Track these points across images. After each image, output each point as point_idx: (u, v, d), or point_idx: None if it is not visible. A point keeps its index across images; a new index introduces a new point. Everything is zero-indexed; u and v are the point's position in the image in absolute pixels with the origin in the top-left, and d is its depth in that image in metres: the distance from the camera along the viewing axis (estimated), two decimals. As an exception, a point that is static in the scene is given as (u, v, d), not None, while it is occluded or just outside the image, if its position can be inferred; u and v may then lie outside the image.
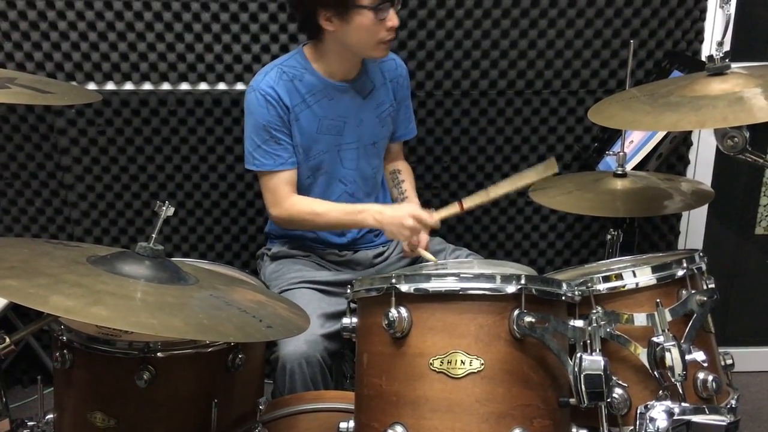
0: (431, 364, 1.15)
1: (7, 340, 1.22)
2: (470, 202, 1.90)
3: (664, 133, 2.02)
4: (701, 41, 2.39)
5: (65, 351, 1.57)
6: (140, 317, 1.10)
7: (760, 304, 2.74)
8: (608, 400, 1.18)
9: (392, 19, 1.84)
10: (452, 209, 1.92)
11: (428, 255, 1.94)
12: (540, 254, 2.60)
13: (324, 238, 2.08)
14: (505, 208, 2.54)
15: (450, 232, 2.53)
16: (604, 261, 1.64)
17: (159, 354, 1.51)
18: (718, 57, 1.39)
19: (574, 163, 2.50)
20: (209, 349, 1.56)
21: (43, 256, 1.27)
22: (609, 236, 1.94)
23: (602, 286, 1.33)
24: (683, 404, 1.23)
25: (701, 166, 2.52)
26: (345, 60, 1.95)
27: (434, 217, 1.89)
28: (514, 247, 2.59)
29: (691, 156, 2.50)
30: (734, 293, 2.72)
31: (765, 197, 2.65)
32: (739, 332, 2.75)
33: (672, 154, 2.45)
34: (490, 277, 1.17)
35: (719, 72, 1.40)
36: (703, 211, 2.60)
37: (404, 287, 1.18)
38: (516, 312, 1.15)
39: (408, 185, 2.19)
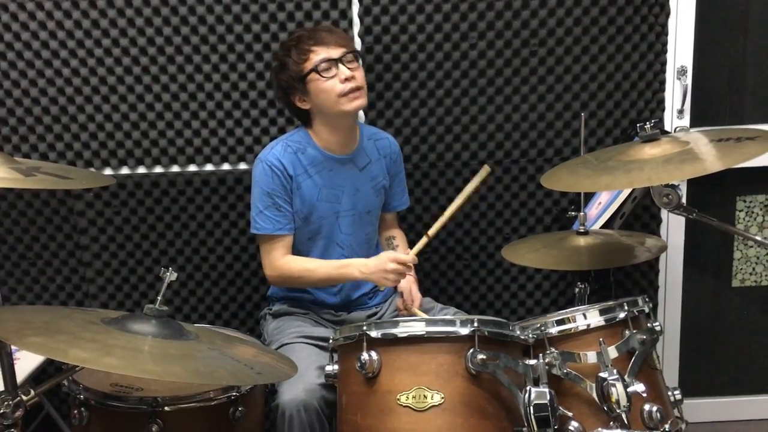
0: (398, 399, 1.32)
1: (32, 392, 1.40)
2: (433, 229, 2.11)
3: (627, 194, 2.21)
4: (663, 109, 2.60)
5: (82, 408, 1.74)
6: (146, 366, 1.29)
7: (742, 355, 2.86)
8: (556, 427, 1.33)
9: (342, 72, 2.07)
10: (422, 241, 2.12)
11: (420, 313, 2.11)
12: (528, 311, 2.75)
13: (321, 299, 2.25)
14: (492, 269, 2.71)
15: (442, 294, 2.70)
16: (563, 310, 1.80)
17: (166, 408, 1.68)
18: (649, 126, 1.59)
19: (554, 225, 2.68)
20: (212, 403, 1.73)
21: (63, 318, 1.46)
22: (577, 289, 2.11)
23: (554, 329, 1.50)
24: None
25: (673, 224, 2.70)
26: (336, 131, 2.18)
27: (411, 254, 2.07)
28: (503, 306, 2.74)
29: (663, 215, 2.68)
30: (716, 344, 2.86)
31: (738, 251, 2.80)
32: (723, 382, 2.87)
33: (644, 213, 2.63)
34: (449, 322, 1.35)
35: (651, 139, 1.60)
36: (678, 266, 2.76)
37: (374, 333, 1.36)
38: (470, 351, 1.32)
39: (401, 248, 2.36)
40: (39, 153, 2.56)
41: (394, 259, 2.03)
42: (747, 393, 2.87)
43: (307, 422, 1.85)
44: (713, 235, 2.79)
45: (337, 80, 2.07)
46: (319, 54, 2.07)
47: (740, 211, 2.77)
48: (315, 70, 2.06)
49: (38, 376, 2.38)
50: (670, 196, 1.56)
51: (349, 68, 2.08)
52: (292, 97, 2.14)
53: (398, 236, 2.42)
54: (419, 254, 2.11)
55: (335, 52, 2.08)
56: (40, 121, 2.54)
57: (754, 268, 2.82)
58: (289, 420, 1.83)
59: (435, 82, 2.56)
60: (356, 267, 2.09)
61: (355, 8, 2.49)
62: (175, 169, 2.60)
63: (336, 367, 1.47)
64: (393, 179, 2.36)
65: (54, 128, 2.54)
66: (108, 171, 2.58)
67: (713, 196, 2.75)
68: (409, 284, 2.24)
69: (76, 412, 1.75)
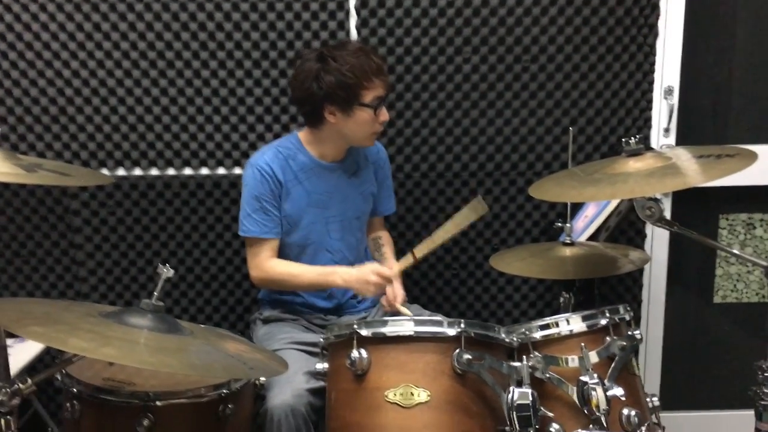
0: (386, 396, 1.37)
1: (29, 380, 1.44)
2: (420, 251, 2.11)
3: (612, 208, 2.27)
4: (649, 127, 2.67)
5: (75, 401, 1.77)
6: (143, 357, 1.32)
7: (721, 370, 2.92)
8: (537, 427, 1.37)
9: (384, 114, 2.14)
10: (407, 261, 2.13)
11: (405, 309, 2.14)
12: (514, 321, 2.80)
13: (312, 302, 2.29)
14: (480, 279, 2.76)
15: (430, 302, 2.75)
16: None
17: (158, 402, 1.71)
18: (634, 141, 1.65)
19: (542, 237, 2.73)
20: (203, 399, 1.76)
21: (62, 310, 1.50)
22: (561, 299, 2.16)
23: (538, 334, 1.55)
24: (605, 433, 1.43)
25: (657, 240, 2.76)
26: (337, 146, 2.23)
27: (394, 270, 2.11)
28: (490, 315, 2.78)
29: (648, 230, 2.74)
30: (698, 360, 2.91)
31: (720, 268, 2.87)
32: (703, 396, 2.92)
33: (630, 228, 2.70)
34: (437, 323, 1.40)
35: (635, 153, 1.66)
36: (662, 281, 2.82)
37: (364, 332, 1.40)
38: (457, 351, 1.37)
39: (387, 249, 2.42)
40: (36, 152, 2.59)
41: (376, 271, 2.07)
42: (726, 407, 2.93)
43: (295, 427, 1.87)
44: (696, 251, 2.85)
45: (377, 119, 2.13)
46: (378, 90, 2.11)
47: (723, 229, 2.84)
48: (371, 105, 2.09)
49: (29, 371, 2.41)
50: (653, 209, 1.62)
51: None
52: (326, 105, 2.10)
53: (384, 237, 2.46)
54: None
55: (384, 92, 2.14)
56: (39, 121, 2.57)
57: (735, 285, 2.88)
58: (277, 424, 1.85)
59: (428, 94, 2.61)
60: (339, 275, 2.13)
61: (353, 21, 2.56)
62: (171, 171, 2.64)
63: (326, 365, 1.52)
64: (380, 185, 2.40)
65: (52, 128, 2.58)
66: (105, 172, 2.62)
67: (697, 214, 2.81)
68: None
69: (68, 405, 1.78)
